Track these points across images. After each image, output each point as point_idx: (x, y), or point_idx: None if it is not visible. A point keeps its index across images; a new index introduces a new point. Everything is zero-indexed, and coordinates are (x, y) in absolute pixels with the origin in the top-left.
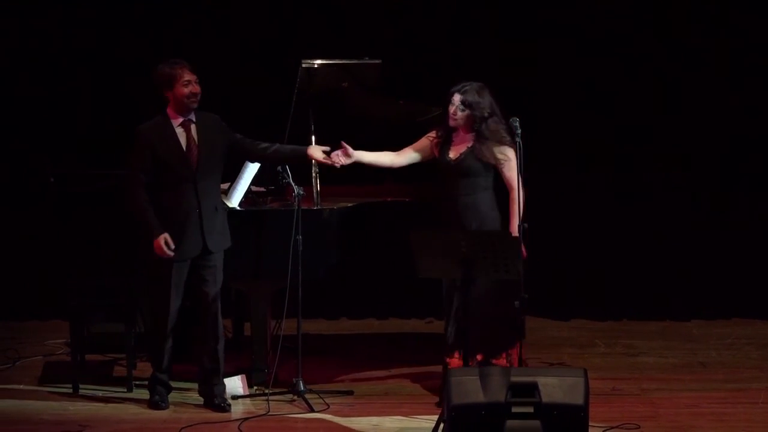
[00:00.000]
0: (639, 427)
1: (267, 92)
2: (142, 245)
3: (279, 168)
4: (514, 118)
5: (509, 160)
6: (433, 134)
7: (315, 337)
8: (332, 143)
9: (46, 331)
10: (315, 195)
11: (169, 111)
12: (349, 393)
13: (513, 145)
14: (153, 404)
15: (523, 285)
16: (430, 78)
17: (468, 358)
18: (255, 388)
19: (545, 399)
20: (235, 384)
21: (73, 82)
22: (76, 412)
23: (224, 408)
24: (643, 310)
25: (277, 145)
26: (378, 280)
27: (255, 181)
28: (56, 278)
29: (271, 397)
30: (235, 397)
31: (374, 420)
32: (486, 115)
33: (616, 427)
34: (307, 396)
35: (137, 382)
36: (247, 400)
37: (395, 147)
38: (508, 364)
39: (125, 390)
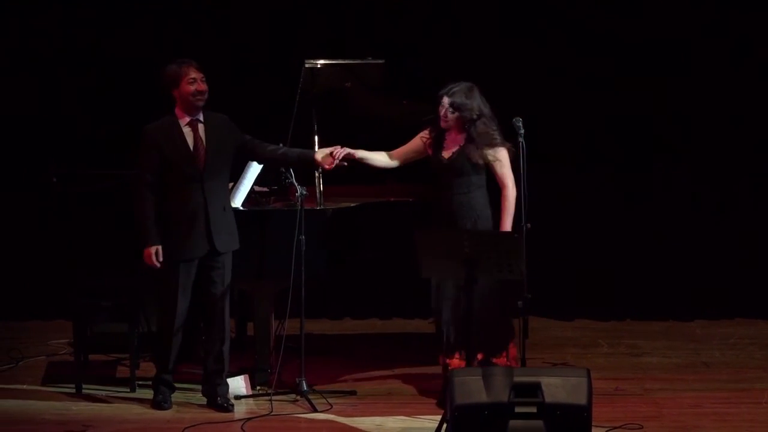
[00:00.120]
0: (642, 427)
1: (270, 92)
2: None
3: (282, 168)
4: (517, 118)
5: (499, 160)
6: (426, 134)
7: (318, 337)
8: (335, 144)
9: (49, 331)
10: (318, 195)
11: (177, 111)
12: (352, 393)
13: (504, 144)
14: (156, 404)
15: (527, 285)
16: (432, 78)
17: (471, 359)
18: (258, 388)
19: (548, 399)
20: (238, 384)
21: (75, 81)
22: (79, 412)
23: (227, 408)
24: (647, 310)
25: (285, 149)
26: (381, 280)
27: (258, 181)
28: (59, 278)
29: (274, 397)
30: (238, 397)
31: (377, 420)
32: (474, 117)
33: (619, 427)
34: (310, 396)
35: (140, 382)
36: (250, 400)
37: (398, 147)
38: (508, 363)
39: (128, 390)
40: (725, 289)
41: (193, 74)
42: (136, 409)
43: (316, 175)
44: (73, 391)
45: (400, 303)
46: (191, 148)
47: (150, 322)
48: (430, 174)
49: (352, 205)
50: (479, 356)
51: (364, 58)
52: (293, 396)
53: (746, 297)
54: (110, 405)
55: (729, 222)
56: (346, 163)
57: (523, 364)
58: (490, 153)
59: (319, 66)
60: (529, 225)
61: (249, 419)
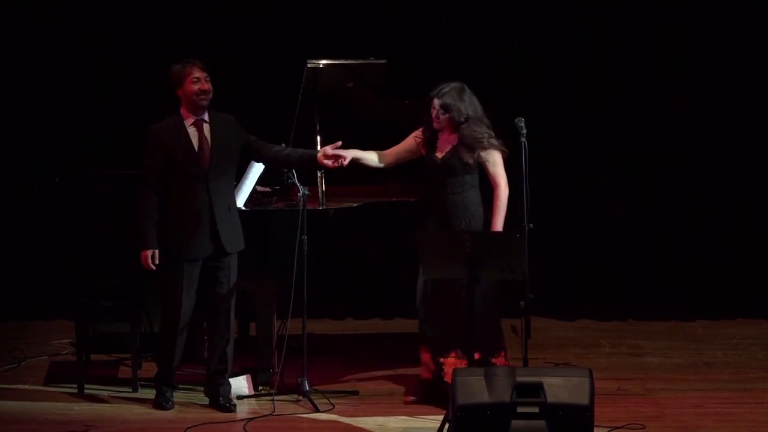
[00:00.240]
0: (644, 427)
1: (272, 92)
2: None
3: (285, 168)
4: (520, 118)
5: (491, 160)
6: (419, 134)
7: (320, 337)
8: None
9: (51, 331)
10: (320, 195)
11: (182, 111)
12: (355, 393)
13: (493, 146)
14: (158, 404)
15: (529, 285)
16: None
17: (473, 359)
18: (260, 388)
19: (550, 399)
20: (240, 384)
21: (78, 81)
22: (81, 412)
23: (229, 408)
24: (649, 310)
25: (289, 149)
26: (383, 280)
27: (260, 181)
28: (61, 278)
29: (276, 397)
30: (240, 397)
31: (379, 420)
32: (462, 120)
33: (622, 427)
34: (312, 396)
35: (142, 382)
36: (253, 400)
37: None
38: (507, 363)
39: (130, 390)
40: (727, 289)
41: (197, 74)
42: (138, 409)
43: (319, 175)
44: (75, 391)
45: (403, 303)
46: (196, 148)
47: (152, 322)
48: (423, 174)
49: (355, 205)
50: (476, 356)
51: (367, 58)
52: (295, 396)
53: (748, 297)
54: (112, 405)
55: (731, 222)
56: (345, 163)
57: (525, 364)
58: (482, 153)
59: (321, 66)
60: (531, 225)
61: (251, 419)
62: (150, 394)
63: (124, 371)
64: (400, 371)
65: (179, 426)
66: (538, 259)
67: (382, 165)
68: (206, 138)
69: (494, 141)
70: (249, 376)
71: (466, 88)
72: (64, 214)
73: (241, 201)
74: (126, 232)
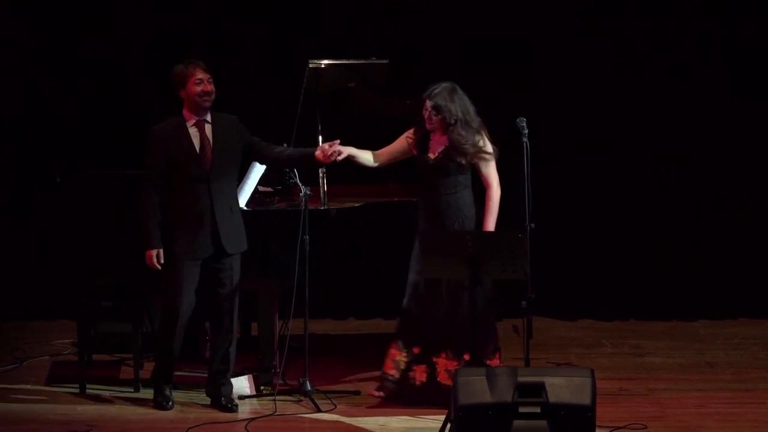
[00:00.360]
0: (646, 428)
1: (274, 92)
2: None
3: (286, 168)
4: (521, 118)
5: (484, 160)
6: (410, 134)
7: (322, 337)
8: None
9: (53, 331)
10: (322, 195)
11: (185, 111)
12: (356, 393)
13: (474, 155)
14: (157, 404)
15: (530, 285)
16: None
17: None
18: (262, 388)
19: (552, 399)
20: (242, 384)
21: (79, 81)
22: (83, 412)
23: (231, 408)
24: (650, 310)
25: (289, 150)
26: (384, 280)
27: (262, 181)
28: (63, 278)
29: (278, 397)
30: (242, 397)
31: (381, 420)
32: (453, 121)
33: (623, 427)
34: (314, 396)
35: (144, 382)
36: (254, 400)
37: None
38: (501, 364)
39: (132, 390)
40: (729, 289)
41: (200, 75)
42: (140, 409)
43: (320, 175)
44: (77, 391)
45: None
46: (197, 149)
47: (154, 322)
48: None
49: (356, 205)
50: (466, 356)
51: (368, 58)
52: (297, 396)
53: (750, 297)
54: (114, 405)
55: (733, 222)
56: (339, 158)
57: (527, 364)
58: (473, 158)
59: (323, 66)
60: (532, 225)
61: (253, 419)
62: (152, 394)
63: (126, 371)
64: None
65: (181, 426)
66: (540, 259)
67: (376, 164)
68: (208, 138)
69: (479, 146)
70: (251, 376)
71: (458, 88)
72: (66, 214)
73: (242, 201)
74: (127, 232)
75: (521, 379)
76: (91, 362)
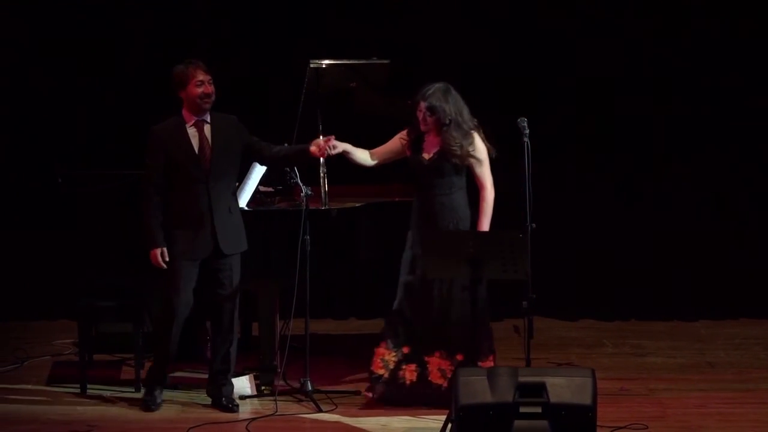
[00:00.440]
0: (647, 428)
1: (274, 92)
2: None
3: (287, 168)
4: (522, 118)
5: (478, 161)
6: (404, 135)
7: (323, 337)
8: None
9: (54, 331)
10: (323, 195)
11: (184, 112)
12: (357, 393)
13: (463, 157)
14: (144, 404)
15: (531, 285)
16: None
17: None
18: (263, 388)
19: (553, 399)
20: (242, 384)
21: (80, 81)
22: (83, 412)
23: (232, 408)
24: (651, 311)
25: (286, 148)
26: (386, 281)
27: (263, 181)
28: (64, 278)
29: (278, 397)
30: (243, 397)
31: (382, 420)
32: (447, 122)
33: (624, 427)
34: (315, 396)
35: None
36: (255, 400)
37: None
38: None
39: (133, 390)
40: (730, 289)
41: (201, 77)
42: (141, 409)
43: (321, 175)
44: (78, 391)
45: None
46: (196, 149)
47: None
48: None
49: (357, 205)
50: (459, 357)
51: (369, 58)
52: (298, 396)
53: (751, 297)
54: (115, 405)
55: (733, 222)
56: (332, 153)
57: (528, 364)
58: (467, 157)
59: (324, 66)
60: (533, 225)
61: (254, 419)
62: None
63: (127, 371)
64: None
65: (182, 426)
66: (541, 259)
67: (370, 163)
68: (207, 139)
69: (467, 149)
70: (251, 376)
71: (451, 88)
72: (67, 214)
73: (244, 201)
74: (129, 232)
75: (522, 379)
76: (92, 362)
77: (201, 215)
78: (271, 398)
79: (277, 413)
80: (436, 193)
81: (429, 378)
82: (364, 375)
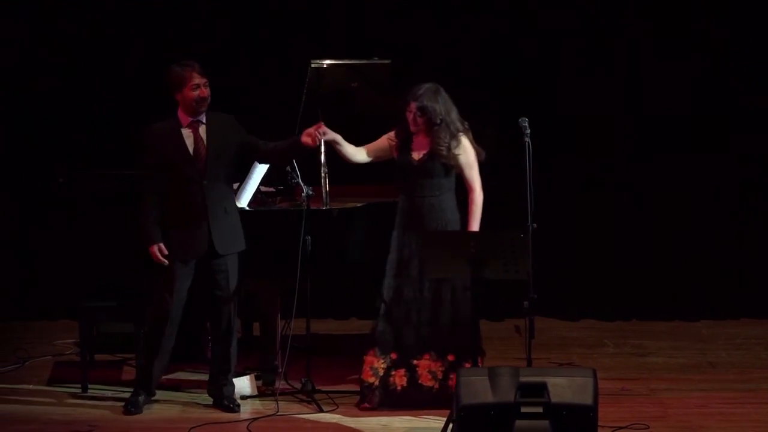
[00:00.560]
0: (648, 428)
1: (275, 92)
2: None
3: (288, 168)
4: (523, 118)
5: (468, 163)
6: (392, 135)
7: (324, 337)
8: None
9: (55, 331)
10: (324, 195)
11: (179, 112)
12: (359, 393)
13: (450, 157)
14: (125, 406)
15: (532, 285)
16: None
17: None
18: (264, 388)
19: (554, 399)
20: (244, 384)
21: (80, 81)
22: (84, 412)
23: (233, 408)
24: (652, 311)
25: (279, 142)
26: None
27: (264, 181)
28: (65, 278)
29: (280, 397)
30: (244, 397)
31: (383, 420)
32: (438, 121)
33: (626, 427)
34: (316, 396)
35: None
36: (256, 400)
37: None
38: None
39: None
40: (731, 289)
41: (197, 80)
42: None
43: (322, 175)
44: (79, 391)
45: None
46: (191, 150)
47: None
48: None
49: (358, 205)
50: (450, 357)
51: (371, 58)
52: (299, 396)
53: (752, 297)
54: (116, 405)
55: (734, 221)
56: (322, 138)
57: (529, 364)
58: (455, 156)
59: (325, 66)
60: (534, 225)
61: (255, 419)
62: (154, 394)
63: (128, 371)
64: None
65: (183, 426)
66: (542, 259)
67: (357, 159)
68: (202, 139)
69: (453, 151)
70: (253, 376)
71: (441, 89)
72: (68, 214)
73: (244, 201)
74: (130, 232)
75: (523, 379)
76: (93, 362)
77: (196, 215)
78: (272, 398)
79: (279, 413)
80: (425, 195)
81: (419, 381)
82: None
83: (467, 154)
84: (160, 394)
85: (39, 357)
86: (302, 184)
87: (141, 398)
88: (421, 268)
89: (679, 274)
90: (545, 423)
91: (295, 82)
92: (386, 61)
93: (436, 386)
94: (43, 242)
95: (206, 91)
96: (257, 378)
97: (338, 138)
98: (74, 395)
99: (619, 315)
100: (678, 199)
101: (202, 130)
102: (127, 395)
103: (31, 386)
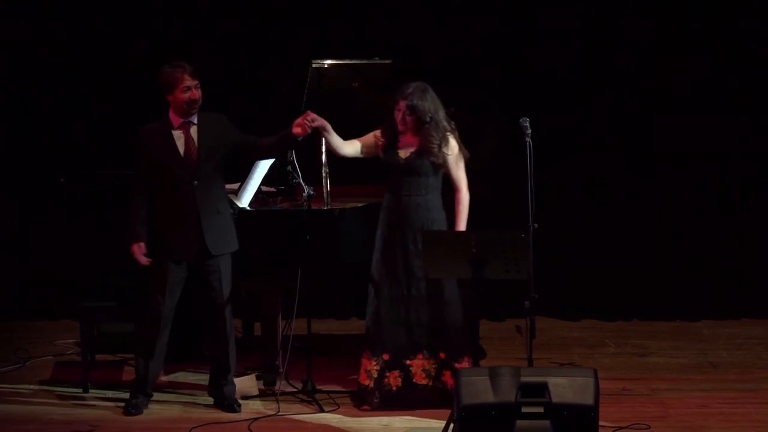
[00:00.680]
0: (649, 428)
1: (276, 93)
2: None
3: (289, 168)
4: (524, 118)
5: (455, 163)
6: (379, 134)
7: (325, 337)
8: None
9: (56, 331)
10: (325, 195)
11: (171, 113)
12: (358, 394)
13: (441, 156)
14: (125, 408)
15: (533, 285)
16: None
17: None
18: (265, 388)
19: (555, 399)
20: (245, 384)
21: (82, 81)
22: (85, 412)
23: (234, 408)
24: (653, 311)
25: (272, 137)
26: None
27: (265, 181)
28: (66, 278)
29: (281, 397)
30: (245, 397)
31: (384, 420)
32: (427, 119)
33: (626, 427)
34: (317, 396)
35: None
36: (257, 400)
37: None
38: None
39: None
40: (732, 289)
41: (188, 82)
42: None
43: (323, 175)
44: (80, 391)
45: None
46: (182, 152)
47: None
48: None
49: (359, 205)
50: (442, 355)
51: (371, 58)
52: (300, 396)
53: (753, 297)
54: (117, 405)
55: (735, 221)
56: (315, 125)
57: (530, 364)
58: (444, 154)
59: (326, 66)
60: (535, 225)
61: (256, 419)
62: (156, 395)
63: (129, 371)
64: None
65: (184, 426)
66: (543, 259)
67: (342, 151)
68: (193, 140)
69: (442, 150)
70: (254, 375)
71: (429, 87)
72: (69, 214)
73: (245, 201)
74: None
75: (524, 379)
76: (94, 362)
77: (187, 216)
78: (274, 398)
79: (280, 413)
80: (412, 193)
81: (414, 380)
82: None
83: (455, 153)
84: (160, 395)
85: (40, 357)
86: (303, 184)
87: (140, 399)
88: (406, 267)
89: (680, 274)
90: (546, 423)
91: (296, 82)
92: (387, 61)
93: (430, 383)
94: (43, 242)
95: (197, 93)
96: (258, 378)
97: (327, 126)
98: (75, 395)
99: (620, 315)
100: (678, 199)
101: (194, 131)
102: (128, 395)
103: (32, 386)
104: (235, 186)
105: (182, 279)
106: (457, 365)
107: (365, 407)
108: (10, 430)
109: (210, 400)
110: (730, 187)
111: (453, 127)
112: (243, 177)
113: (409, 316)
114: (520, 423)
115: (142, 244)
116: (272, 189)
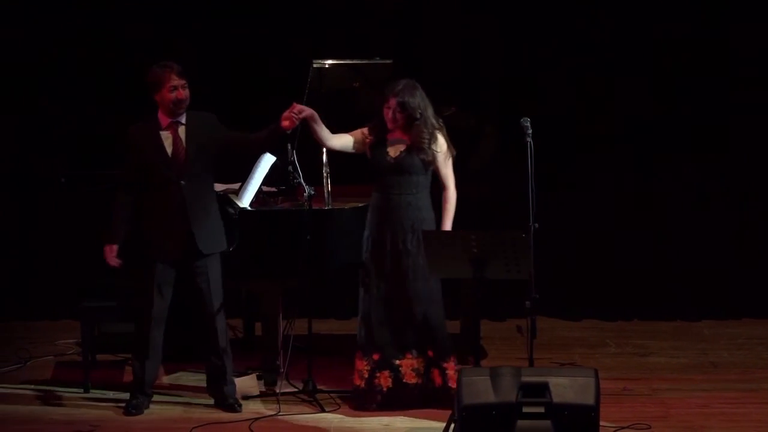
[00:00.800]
0: (650, 428)
1: (276, 93)
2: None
3: (290, 167)
4: (525, 118)
5: (443, 161)
6: (366, 131)
7: (326, 337)
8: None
9: (57, 331)
10: (326, 195)
11: (159, 113)
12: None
13: (432, 151)
14: (125, 408)
15: (534, 285)
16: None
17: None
18: (266, 388)
19: (556, 399)
20: (245, 384)
21: (81, 82)
22: (86, 412)
23: (235, 408)
24: (654, 311)
25: (262, 131)
26: None
27: (266, 181)
28: (67, 278)
29: (281, 397)
30: (245, 397)
31: (385, 420)
32: (418, 116)
33: (627, 427)
34: (317, 396)
35: None
36: (258, 400)
37: None
38: (457, 368)
39: None
40: (733, 289)
41: (175, 82)
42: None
43: (324, 175)
44: (81, 391)
45: None
46: (169, 152)
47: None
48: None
49: (360, 205)
50: (430, 353)
51: (372, 58)
52: (301, 396)
53: (754, 297)
54: (118, 405)
55: (736, 221)
56: (303, 115)
57: (531, 364)
58: (433, 151)
59: (327, 66)
60: (536, 225)
61: (256, 419)
62: (156, 395)
63: (130, 371)
64: None
65: (185, 426)
66: (544, 259)
67: (327, 143)
68: (181, 140)
69: (432, 147)
70: (254, 375)
71: (418, 84)
72: (70, 214)
73: (246, 201)
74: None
75: (525, 379)
76: (95, 362)
77: (175, 216)
78: (274, 398)
79: (280, 413)
80: (402, 192)
81: (404, 380)
82: None
83: (444, 150)
84: (161, 395)
85: (40, 357)
86: (304, 184)
87: (140, 400)
88: (396, 267)
89: (681, 274)
90: (547, 423)
91: (297, 81)
92: (388, 61)
93: (420, 382)
94: (43, 242)
95: (184, 93)
96: (259, 378)
97: (315, 115)
98: (76, 395)
99: (620, 315)
100: (679, 198)
101: (182, 131)
102: (128, 395)
103: (33, 386)
104: (236, 186)
105: (171, 279)
106: (444, 364)
107: (361, 409)
108: (10, 430)
109: (210, 400)
110: (730, 187)
111: (441, 124)
112: (243, 177)
113: (399, 315)
114: (520, 423)
115: (115, 247)
116: (273, 189)
